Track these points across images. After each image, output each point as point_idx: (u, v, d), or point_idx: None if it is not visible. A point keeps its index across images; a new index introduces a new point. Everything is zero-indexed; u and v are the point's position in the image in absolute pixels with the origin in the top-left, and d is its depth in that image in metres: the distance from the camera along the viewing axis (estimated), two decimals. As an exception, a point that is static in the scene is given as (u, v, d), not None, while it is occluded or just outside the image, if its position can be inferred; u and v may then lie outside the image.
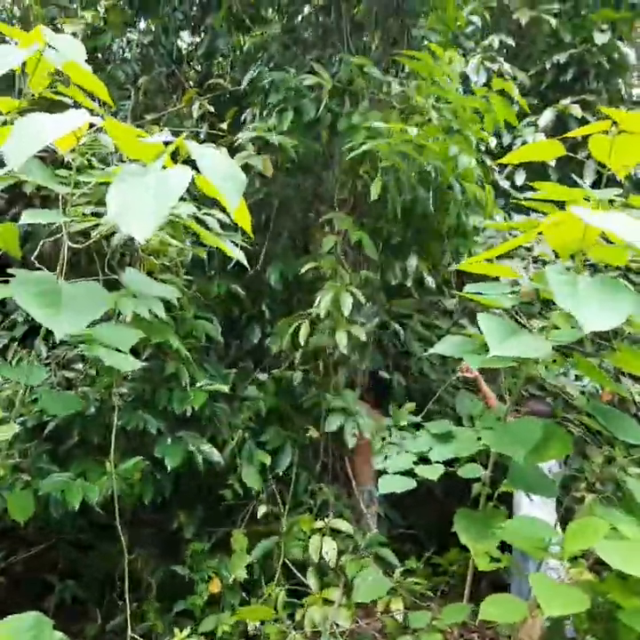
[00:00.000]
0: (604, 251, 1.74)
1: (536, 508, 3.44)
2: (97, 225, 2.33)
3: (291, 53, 4.36)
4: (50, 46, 1.71)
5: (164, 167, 1.28)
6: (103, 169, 2.56)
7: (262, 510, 3.75)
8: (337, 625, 3.34)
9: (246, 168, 3.71)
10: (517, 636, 2.39)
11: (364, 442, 4.30)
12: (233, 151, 3.90)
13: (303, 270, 3.92)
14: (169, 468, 3.33)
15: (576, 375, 4.37)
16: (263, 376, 4.12)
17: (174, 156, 1.45)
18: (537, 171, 5.78)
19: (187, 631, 3.19)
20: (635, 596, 1.81)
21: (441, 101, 3.94)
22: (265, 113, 4.09)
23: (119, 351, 2.29)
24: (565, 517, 3.43)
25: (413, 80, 3.98)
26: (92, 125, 1.52)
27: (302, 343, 3.76)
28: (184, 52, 5.26)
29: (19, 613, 1.65)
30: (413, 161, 3.62)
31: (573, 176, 4.34)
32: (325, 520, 3.71)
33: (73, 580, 3.88)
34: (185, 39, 5.31)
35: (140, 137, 1.40)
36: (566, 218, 1.61)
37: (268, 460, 3.82)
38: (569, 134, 2.00)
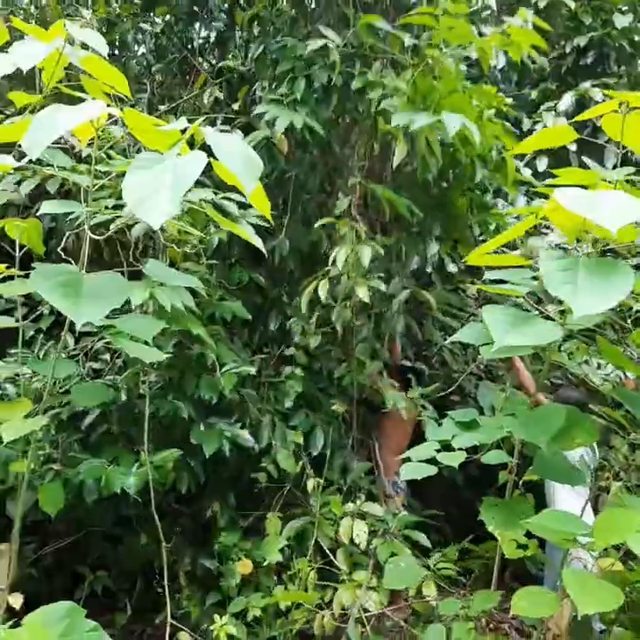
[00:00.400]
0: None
1: (570, 495, 3.33)
2: (118, 216, 2.36)
3: (298, 27, 4.18)
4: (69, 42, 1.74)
5: (180, 154, 1.29)
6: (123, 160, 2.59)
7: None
8: (365, 610, 3.33)
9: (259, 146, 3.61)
10: (545, 624, 2.38)
11: (391, 428, 4.29)
12: (247, 130, 3.82)
13: (317, 225, 3.81)
14: (207, 456, 3.28)
15: (598, 363, 4.32)
16: (290, 350, 4.06)
17: (192, 144, 1.46)
18: (560, 156, 5.68)
19: (226, 618, 3.20)
20: (665, 587, 1.78)
21: (458, 50, 3.73)
22: (274, 84, 3.94)
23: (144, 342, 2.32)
24: (593, 505, 3.38)
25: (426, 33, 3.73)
26: (110, 116, 1.55)
27: (322, 298, 3.57)
28: (196, 43, 5.24)
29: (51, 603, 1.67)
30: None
31: (585, 159, 4.23)
32: (356, 502, 3.70)
33: (104, 572, 3.92)
34: (198, 30, 5.30)
35: (157, 125, 1.41)
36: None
37: (300, 440, 3.78)
38: (580, 117, 1.98)
